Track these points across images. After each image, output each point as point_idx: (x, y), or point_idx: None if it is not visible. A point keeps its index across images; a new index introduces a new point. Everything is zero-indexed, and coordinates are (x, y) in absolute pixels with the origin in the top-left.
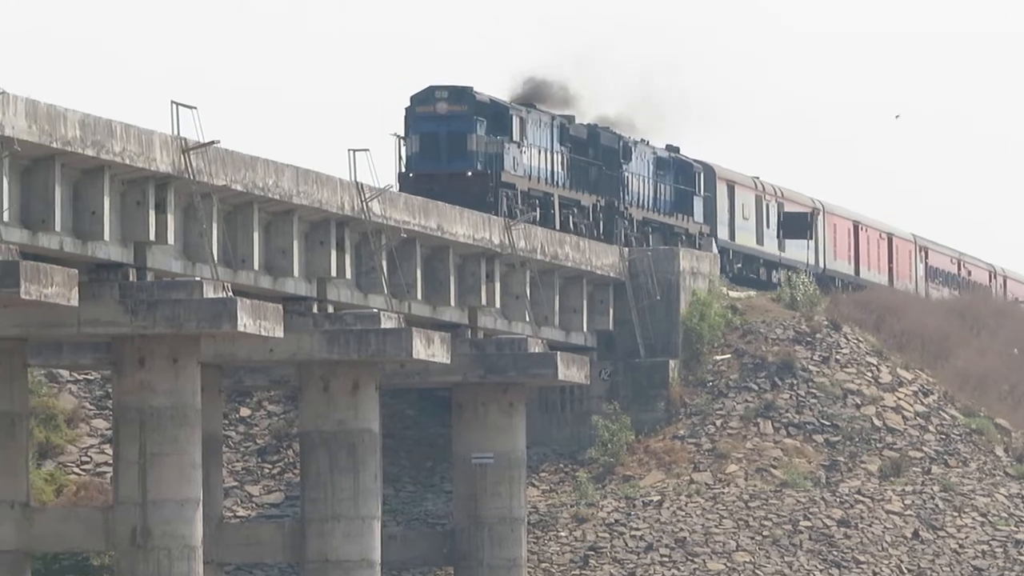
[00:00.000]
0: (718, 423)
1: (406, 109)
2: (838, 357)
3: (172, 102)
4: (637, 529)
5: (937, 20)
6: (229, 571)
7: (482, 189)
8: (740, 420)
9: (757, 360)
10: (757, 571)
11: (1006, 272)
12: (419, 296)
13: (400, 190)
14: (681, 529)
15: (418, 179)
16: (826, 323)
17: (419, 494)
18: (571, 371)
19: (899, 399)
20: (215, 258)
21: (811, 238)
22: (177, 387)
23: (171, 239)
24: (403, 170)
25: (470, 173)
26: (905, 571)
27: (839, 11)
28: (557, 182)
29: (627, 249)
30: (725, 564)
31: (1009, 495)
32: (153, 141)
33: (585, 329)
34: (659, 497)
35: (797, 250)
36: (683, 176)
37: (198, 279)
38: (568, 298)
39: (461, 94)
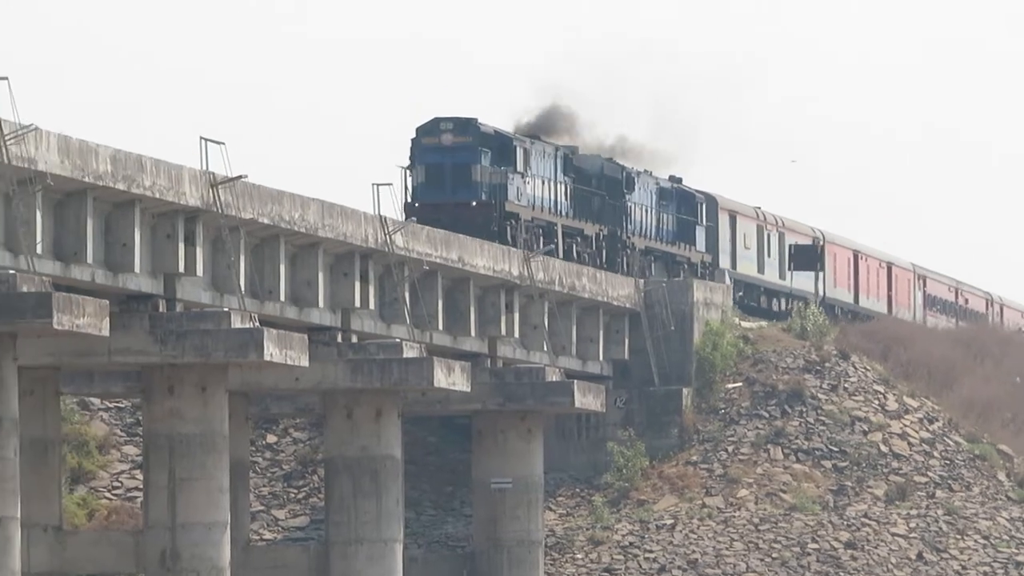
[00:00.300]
0: (730, 449)
1: (412, 140)
2: (846, 385)
3: (201, 138)
4: (651, 551)
5: (934, 46)
6: None
7: (486, 219)
8: (751, 446)
9: (768, 388)
10: None
11: (1003, 300)
12: (440, 326)
13: (405, 219)
14: (693, 551)
15: (424, 209)
16: (835, 352)
17: (440, 518)
18: (587, 399)
19: (905, 426)
20: (242, 289)
21: (821, 270)
22: (205, 415)
23: (200, 271)
24: (409, 200)
25: (475, 203)
26: None
27: (835, 41)
28: (560, 211)
29: (642, 281)
30: None
31: (1011, 518)
32: (183, 176)
33: (601, 358)
34: (672, 521)
35: (799, 279)
36: (685, 206)
37: (226, 310)
38: (585, 328)
39: (466, 126)
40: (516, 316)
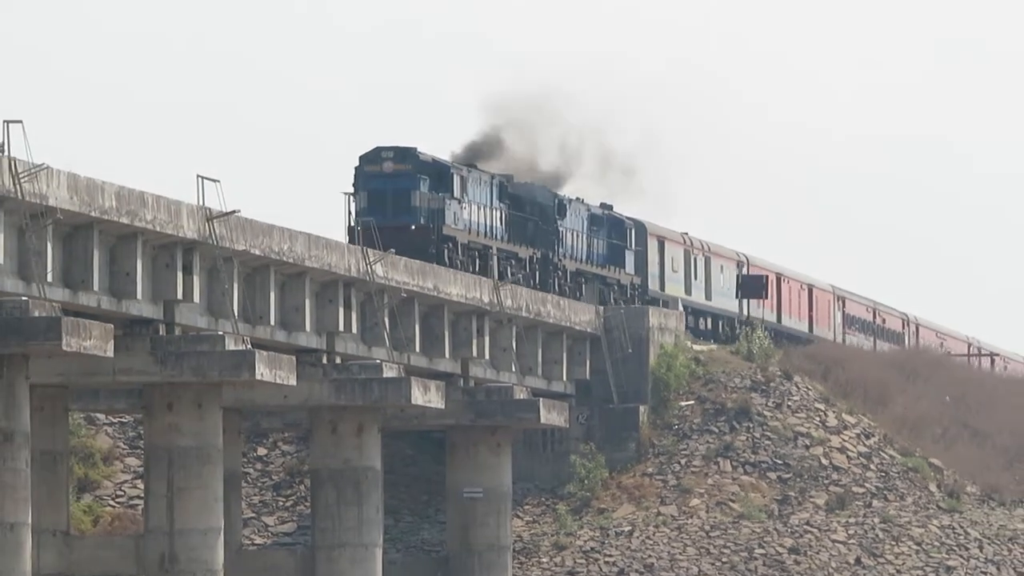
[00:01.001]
0: (683, 462)
1: (355, 168)
2: (790, 403)
3: (198, 176)
4: (610, 556)
5: (844, 70)
6: None
7: (425, 241)
8: (702, 459)
9: (717, 406)
10: None
11: (918, 320)
12: (417, 348)
13: (349, 243)
14: (649, 556)
15: (366, 232)
16: (779, 373)
17: (416, 524)
18: (552, 415)
19: (844, 440)
20: (236, 314)
21: (766, 298)
22: (202, 429)
23: (197, 298)
24: (352, 224)
25: (414, 227)
26: None
27: (767, 66)
28: (496, 235)
29: (602, 308)
30: None
31: (941, 526)
32: (181, 210)
33: (565, 378)
34: (630, 527)
35: (724, 300)
36: (616, 231)
37: (221, 333)
38: (550, 351)
39: (405, 154)
40: (487, 339)
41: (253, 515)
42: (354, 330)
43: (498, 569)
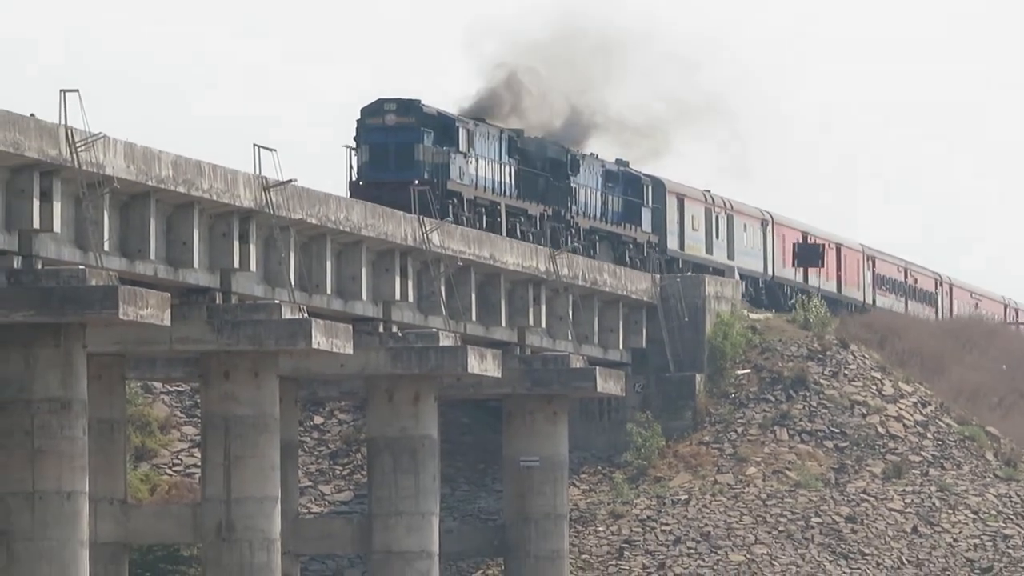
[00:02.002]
0: (739, 430)
1: (357, 121)
2: (846, 372)
3: (254, 145)
4: (667, 524)
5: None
6: (304, 561)
7: (429, 197)
8: (759, 428)
9: (774, 375)
10: (774, 562)
11: (952, 280)
12: (473, 317)
13: (351, 196)
14: (706, 524)
15: (367, 188)
16: (835, 342)
17: (473, 493)
18: (608, 384)
19: (900, 409)
20: (292, 283)
21: (822, 266)
22: (258, 398)
23: (253, 267)
24: (353, 179)
25: (417, 182)
26: (905, 562)
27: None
28: (504, 192)
29: (658, 276)
30: (745, 556)
31: (998, 495)
32: (237, 180)
33: (621, 347)
34: (686, 496)
35: (748, 259)
36: (632, 189)
37: (277, 302)
38: (606, 319)
39: (408, 107)
40: (543, 308)
41: (310, 484)
42: (410, 299)
43: (555, 537)
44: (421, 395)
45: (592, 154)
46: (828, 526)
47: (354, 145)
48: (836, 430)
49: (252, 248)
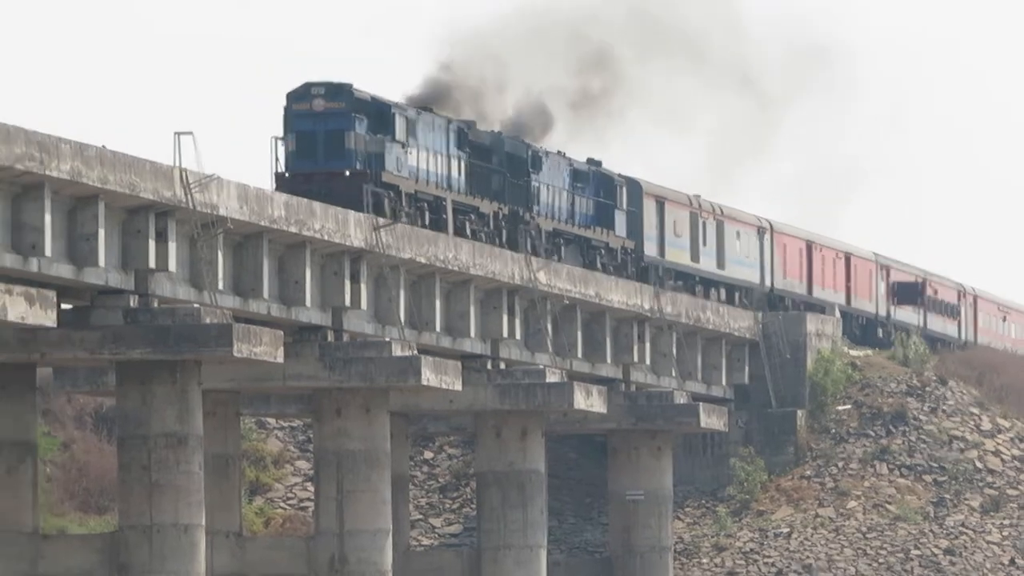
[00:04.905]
0: (840, 465)
1: (284, 108)
2: (945, 408)
3: (363, 186)
4: (769, 557)
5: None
6: None
7: (360, 189)
8: (859, 462)
9: (874, 410)
10: None
11: (976, 291)
12: (579, 354)
13: (277, 189)
14: (807, 557)
15: (295, 179)
16: (934, 378)
17: (579, 526)
18: (712, 419)
19: (998, 444)
20: (402, 321)
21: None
22: (370, 433)
23: (364, 305)
24: (280, 170)
25: (348, 172)
26: None
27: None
28: (452, 187)
29: (760, 313)
30: None
31: None
32: (348, 220)
33: (724, 383)
34: (788, 529)
35: (741, 268)
36: (604, 190)
37: (387, 340)
38: (709, 356)
39: (338, 91)
40: (647, 345)
41: (420, 517)
42: (518, 336)
43: (659, 569)
44: (528, 430)
45: (559, 152)
46: (927, 558)
47: (281, 134)
48: (935, 464)
49: (363, 287)
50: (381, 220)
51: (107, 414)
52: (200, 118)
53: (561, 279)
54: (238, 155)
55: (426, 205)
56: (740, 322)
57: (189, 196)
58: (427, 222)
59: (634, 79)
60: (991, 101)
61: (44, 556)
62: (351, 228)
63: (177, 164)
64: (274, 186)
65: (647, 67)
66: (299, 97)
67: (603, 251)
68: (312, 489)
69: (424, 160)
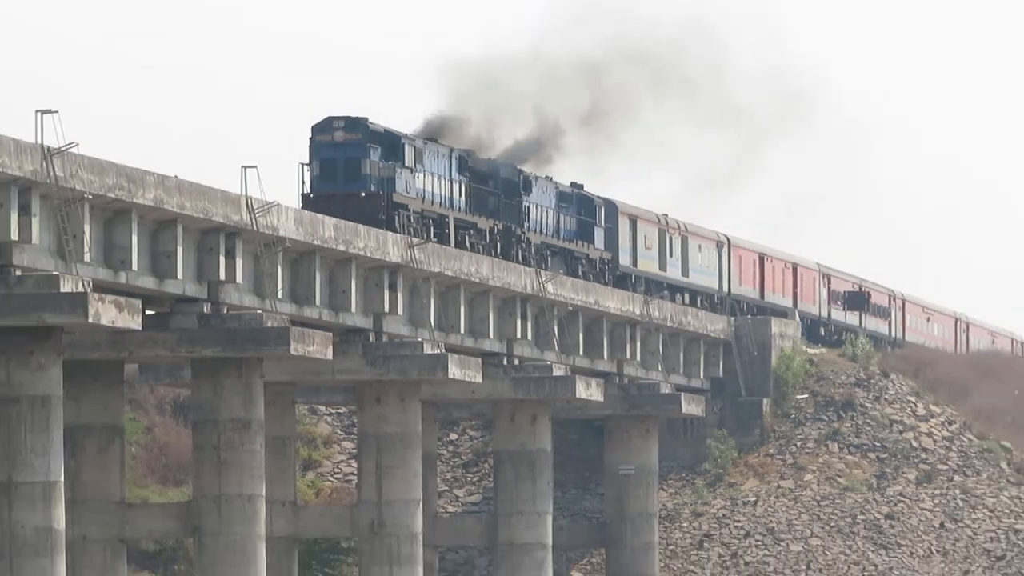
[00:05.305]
0: (798, 444)
1: (309, 139)
2: (886, 396)
3: (36, 110)
4: (739, 521)
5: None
6: (441, 552)
7: (375, 208)
8: (814, 442)
9: (827, 399)
10: (826, 552)
11: (904, 296)
12: (581, 352)
13: (303, 208)
14: (771, 521)
15: (318, 199)
16: (878, 372)
17: (580, 496)
18: (691, 407)
19: (931, 427)
20: (432, 324)
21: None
22: (404, 419)
23: (400, 311)
24: (306, 191)
25: (364, 193)
26: (934, 552)
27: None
28: (454, 206)
29: (732, 318)
30: (803, 547)
31: (1010, 497)
32: (387, 239)
33: (702, 376)
34: (755, 498)
35: (702, 276)
36: (585, 209)
37: (420, 340)
38: (690, 353)
39: (356, 124)
40: (638, 344)
41: (446, 488)
42: (529, 337)
43: (647, 532)
44: (538, 416)
45: (547, 176)
46: (871, 522)
47: (307, 161)
48: (878, 444)
49: (399, 295)
50: (415, 240)
51: (183, 403)
52: (235, 148)
53: (566, 289)
54: (272, 179)
55: (431, 222)
56: (715, 325)
57: (254, 220)
58: (432, 236)
59: (633, 114)
60: (911, 136)
61: (130, 522)
62: (389, 246)
63: (244, 193)
64: (300, 205)
65: (645, 106)
66: (322, 129)
67: (584, 261)
68: (355, 465)
69: (430, 183)
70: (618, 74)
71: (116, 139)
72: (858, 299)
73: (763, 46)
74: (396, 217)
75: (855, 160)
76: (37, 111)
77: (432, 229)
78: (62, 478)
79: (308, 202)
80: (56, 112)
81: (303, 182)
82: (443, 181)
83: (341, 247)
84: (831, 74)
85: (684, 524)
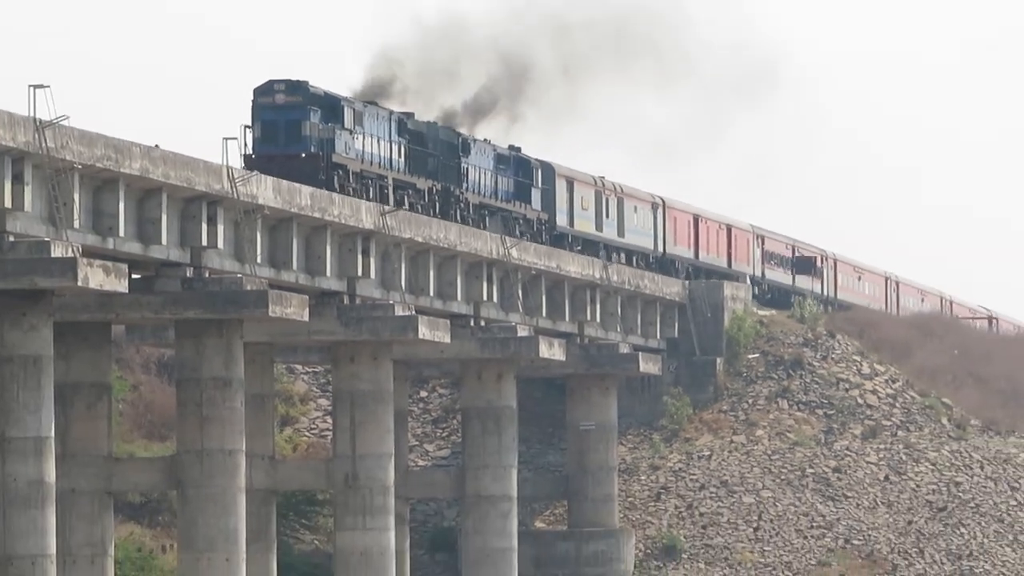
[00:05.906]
0: (750, 401)
1: (252, 101)
2: (833, 356)
3: (30, 86)
4: (694, 474)
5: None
6: (412, 503)
7: (315, 168)
8: (765, 399)
9: (777, 358)
10: (777, 503)
11: (836, 255)
12: (544, 314)
13: (245, 168)
14: (724, 475)
15: (260, 160)
16: (825, 332)
17: (543, 450)
18: (648, 365)
19: (875, 385)
20: (403, 288)
21: (816, 276)
22: (376, 377)
23: (373, 275)
24: (248, 153)
25: (304, 155)
26: (879, 503)
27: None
28: (393, 167)
29: (687, 281)
30: (755, 499)
31: (951, 451)
32: (360, 207)
33: (658, 337)
34: (709, 452)
35: (637, 237)
36: (523, 171)
37: (391, 302)
38: (647, 315)
39: (296, 87)
40: (598, 307)
41: (416, 443)
42: (495, 300)
43: (607, 485)
44: (503, 375)
45: (485, 139)
46: (819, 475)
47: (249, 122)
48: (825, 401)
49: (372, 261)
50: (386, 207)
51: (168, 362)
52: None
53: (529, 254)
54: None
55: (370, 182)
56: (671, 288)
57: (234, 189)
58: (371, 196)
59: (592, 81)
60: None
61: (116, 475)
62: (363, 214)
63: (225, 163)
64: (243, 166)
65: (608, 73)
66: (263, 92)
67: (521, 221)
68: (331, 421)
69: (369, 144)
70: (581, 41)
71: (103, 111)
72: (807, 264)
73: (727, 19)
74: (335, 177)
75: (814, 130)
76: (30, 86)
77: (371, 189)
78: (53, 433)
79: (250, 163)
80: (48, 87)
81: (245, 143)
82: (382, 143)
83: (317, 214)
84: (794, 47)
85: (642, 477)
